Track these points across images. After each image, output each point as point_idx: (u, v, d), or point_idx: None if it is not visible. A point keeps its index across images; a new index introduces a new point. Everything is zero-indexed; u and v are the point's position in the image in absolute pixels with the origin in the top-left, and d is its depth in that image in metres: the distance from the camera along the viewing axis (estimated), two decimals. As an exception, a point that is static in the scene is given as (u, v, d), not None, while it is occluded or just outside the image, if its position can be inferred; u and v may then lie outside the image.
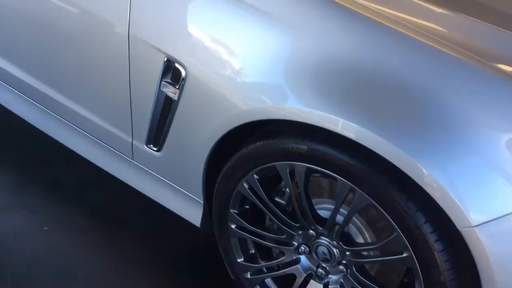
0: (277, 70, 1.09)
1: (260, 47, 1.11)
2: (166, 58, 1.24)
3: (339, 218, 1.14)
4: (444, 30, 1.11)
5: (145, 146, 1.40)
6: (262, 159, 1.17)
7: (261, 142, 1.17)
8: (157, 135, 1.36)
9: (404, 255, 1.04)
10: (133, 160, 1.49)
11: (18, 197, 1.69)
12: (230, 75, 1.15)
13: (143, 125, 1.37)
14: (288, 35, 1.09)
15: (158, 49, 1.24)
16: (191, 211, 1.40)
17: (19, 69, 1.65)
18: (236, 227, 1.29)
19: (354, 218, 1.15)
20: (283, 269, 1.27)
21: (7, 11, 1.57)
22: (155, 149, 1.39)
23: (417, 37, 1.02)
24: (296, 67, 1.07)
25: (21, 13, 1.53)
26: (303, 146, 1.08)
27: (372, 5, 1.08)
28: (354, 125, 1.00)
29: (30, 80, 1.63)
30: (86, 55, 1.43)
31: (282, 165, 1.14)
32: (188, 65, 1.21)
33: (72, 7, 1.39)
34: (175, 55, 1.22)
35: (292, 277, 1.27)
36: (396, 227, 1.02)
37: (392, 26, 1.04)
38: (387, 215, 1.02)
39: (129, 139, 1.44)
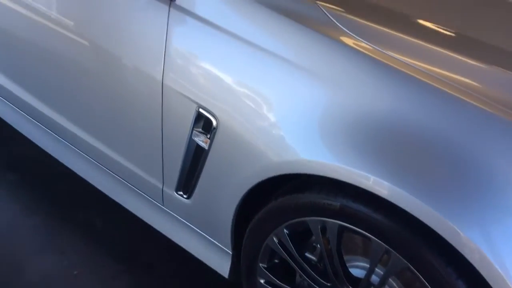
0: (311, 124, 1.06)
1: (295, 100, 1.09)
2: (198, 108, 1.24)
3: (374, 278, 1.08)
4: (483, 86, 1.06)
5: (175, 193, 1.39)
6: (292, 214, 1.13)
7: (291, 196, 1.14)
8: (187, 183, 1.35)
9: (444, 324, 0.97)
10: (163, 206, 1.48)
11: (50, 239, 1.71)
12: (263, 127, 1.14)
13: (174, 172, 1.37)
14: (324, 89, 1.06)
15: (190, 99, 1.25)
16: (219, 261, 1.37)
17: (54, 110, 1.69)
18: (265, 282, 1.24)
19: (389, 279, 1.09)
20: (313, 329, 1.21)
21: (43, 54, 1.63)
22: (185, 196, 1.38)
23: (455, 93, 0.98)
24: (331, 121, 1.04)
25: (56, 57, 1.58)
26: (336, 203, 1.04)
27: (409, 60, 1.05)
28: (387, 183, 0.95)
29: (63, 122, 1.67)
30: (120, 101, 1.45)
31: (313, 221, 1.10)
32: (219, 115, 1.20)
33: (108, 56, 1.42)
34: (206, 105, 1.22)
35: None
36: (435, 294, 0.96)
37: (430, 82, 1.00)
38: (425, 281, 0.96)
39: (160, 185, 1.44)
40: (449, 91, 0.98)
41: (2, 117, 1.97)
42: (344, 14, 1.16)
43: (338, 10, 1.17)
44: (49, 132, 1.78)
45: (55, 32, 1.54)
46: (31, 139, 1.87)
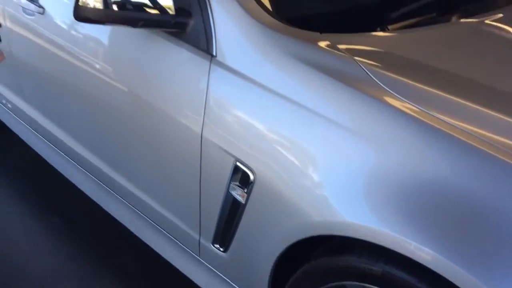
0: (354, 184, 1.03)
1: (337, 159, 1.07)
2: (235, 161, 1.24)
3: None
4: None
5: (212, 246, 1.38)
6: (331, 276, 1.09)
7: (331, 257, 1.10)
8: (224, 236, 1.34)
9: None
10: (199, 257, 1.47)
11: (91, 284, 1.72)
12: (304, 184, 1.11)
13: (211, 224, 1.36)
14: (367, 150, 1.04)
15: (228, 152, 1.25)
16: (255, 319, 1.34)
17: (95, 155, 1.74)
18: None
19: None
20: None
21: (84, 101, 1.69)
22: (221, 249, 1.36)
23: (505, 158, 0.93)
24: (374, 183, 1.01)
25: (97, 104, 1.63)
26: (377, 269, 1.00)
27: (455, 122, 1.01)
28: (430, 250, 0.91)
29: (103, 167, 1.71)
30: (160, 150, 1.47)
31: (353, 286, 1.05)
32: (256, 170, 1.20)
33: (149, 106, 1.45)
34: (244, 159, 1.22)
35: None
36: None
37: (478, 146, 0.96)
38: None
39: (197, 237, 1.43)
40: (498, 156, 0.94)
41: (49, 161, 2.04)
42: (384, 71, 1.14)
43: (376, 66, 1.15)
44: (90, 177, 1.82)
45: (101, 82, 1.59)
46: (74, 182, 1.93)
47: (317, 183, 1.09)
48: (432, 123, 1.00)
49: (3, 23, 1.93)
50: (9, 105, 2.14)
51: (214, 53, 1.28)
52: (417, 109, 1.03)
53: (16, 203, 2.11)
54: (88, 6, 1.28)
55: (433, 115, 1.02)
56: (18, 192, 2.17)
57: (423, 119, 1.01)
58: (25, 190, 2.18)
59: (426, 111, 1.03)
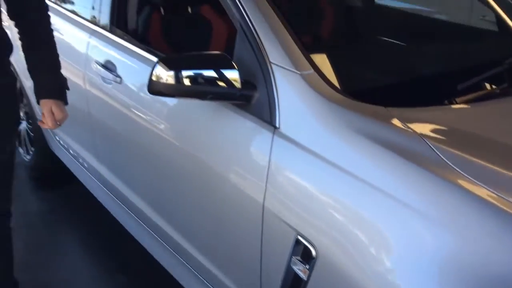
0: (429, 271, 0.98)
1: (409, 241, 1.02)
2: (296, 235, 1.22)
3: None
4: None
5: (272, 319, 1.35)
6: None
7: None
8: (285, 311, 1.31)
9: None
10: (259, 329, 1.44)
11: None
12: (371, 265, 1.07)
13: (272, 297, 1.34)
14: (443, 234, 0.99)
15: (290, 225, 1.24)
16: None
17: (161, 217, 1.79)
18: None
19: None
20: None
21: (153, 165, 1.75)
22: (282, 325, 1.32)
23: None
24: (450, 271, 0.96)
25: (165, 168, 1.69)
26: None
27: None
28: None
29: (168, 229, 1.74)
30: (222, 218, 1.49)
31: None
32: (318, 245, 1.17)
33: (212, 173, 1.48)
34: (305, 233, 1.20)
35: None
36: None
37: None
38: None
39: (257, 308, 1.41)
40: None
41: (120, 221, 2.12)
42: (452, 150, 1.09)
43: (444, 142, 1.11)
44: (158, 239, 1.86)
45: (169, 146, 1.66)
46: (141, 242, 1.98)
47: (387, 267, 1.05)
48: (507, 209, 0.94)
49: (83, 86, 2.09)
50: (85, 164, 2.28)
51: (277, 125, 1.30)
52: (490, 193, 0.98)
53: (82, 258, 2.19)
54: (161, 80, 1.36)
55: (508, 200, 0.96)
56: (84, 246, 2.26)
57: (497, 203, 0.96)
58: (91, 245, 2.26)
59: (501, 195, 0.97)
